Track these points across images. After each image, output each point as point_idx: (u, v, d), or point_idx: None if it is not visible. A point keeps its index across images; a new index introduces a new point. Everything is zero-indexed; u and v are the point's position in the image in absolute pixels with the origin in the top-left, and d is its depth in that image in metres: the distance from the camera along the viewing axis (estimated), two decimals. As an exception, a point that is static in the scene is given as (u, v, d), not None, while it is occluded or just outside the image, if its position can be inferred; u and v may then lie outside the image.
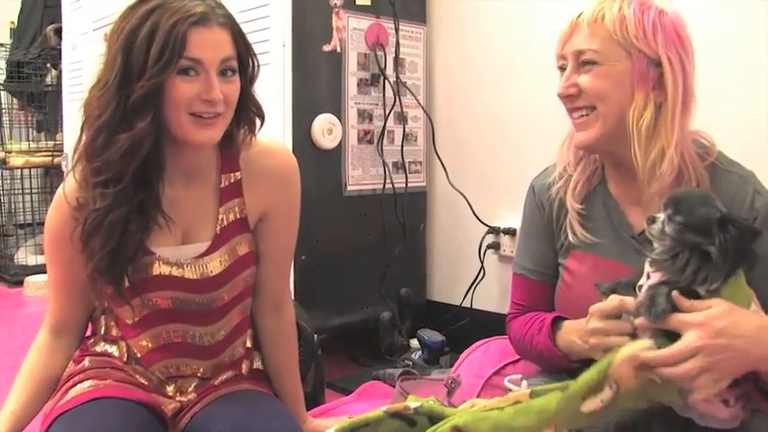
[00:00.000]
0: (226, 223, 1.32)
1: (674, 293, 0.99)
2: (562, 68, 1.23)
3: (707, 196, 1.06)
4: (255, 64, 1.28)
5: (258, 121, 1.33)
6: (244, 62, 1.25)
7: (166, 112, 1.18)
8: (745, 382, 1.01)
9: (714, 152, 1.20)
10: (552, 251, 1.33)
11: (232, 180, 1.34)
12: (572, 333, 1.21)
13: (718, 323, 0.96)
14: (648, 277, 1.05)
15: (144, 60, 1.14)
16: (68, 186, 1.26)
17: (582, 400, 0.98)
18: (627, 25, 1.15)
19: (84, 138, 1.21)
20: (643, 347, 0.99)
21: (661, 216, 1.04)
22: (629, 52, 1.15)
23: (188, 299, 1.30)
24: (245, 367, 1.41)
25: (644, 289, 1.04)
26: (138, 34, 1.15)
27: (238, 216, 1.34)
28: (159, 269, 1.27)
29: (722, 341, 0.95)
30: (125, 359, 1.33)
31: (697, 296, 1.00)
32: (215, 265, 1.30)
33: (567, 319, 1.26)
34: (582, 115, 1.20)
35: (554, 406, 0.98)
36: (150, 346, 1.32)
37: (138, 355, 1.32)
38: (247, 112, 1.30)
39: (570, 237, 1.27)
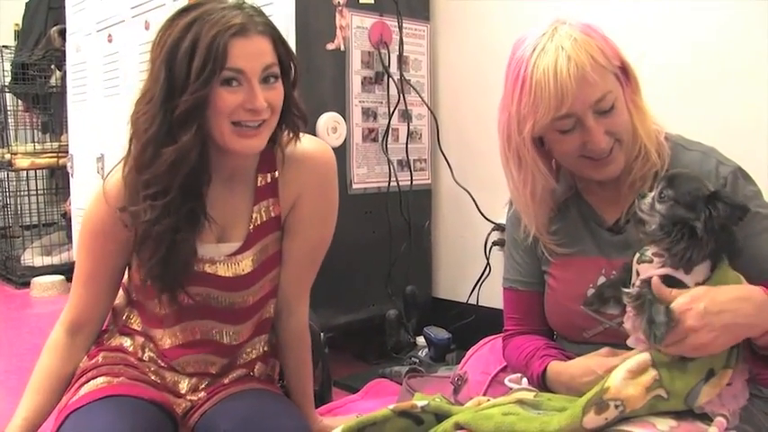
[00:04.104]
0: (259, 222, 1.34)
1: (655, 281, 1.00)
2: (565, 129, 1.13)
3: (699, 176, 1.07)
4: (296, 67, 1.28)
5: (301, 124, 1.33)
6: (285, 67, 1.25)
7: (210, 122, 1.20)
8: (736, 364, 1.02)
9: (664, 133, 1.21)
10: (536, 260, 1.32)
11: (269, 179, 1.34)
12: (560, 386, 1.18)
13: (699, 305, 0.96)
14: (638, 274, 1.05)
15: (186, 74, 1.15)
16: (110, 185, 1.28)
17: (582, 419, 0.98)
18: (605, 52, 1.13)
19: (132, 150, 1.23)
20: (638, 360, 1.00)
21: (652, 192, 1.05)
22: (615, 74, 1.14)
23: (218, 296, 1.31)
24: (257, 369, 1.41)
25: (636, 283, 1.05)
26: (180, 47, 1.16)
27: (272, 215, 1.35)
28: (195, 265, 1.28)
29: (706, 320, 0.96)
30: (139, 354, 1.34)
31: (682, 285, 1.01)
32: (247, 263, 1.32)
33: (555, 356, 1.24)
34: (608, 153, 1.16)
35: (554, 425, 0.99)
36: (177, 340, 1.33)
37: (159, 349, 1.33)
38: (291, 115, 1.30)
39: (548, 255, 1.27)
